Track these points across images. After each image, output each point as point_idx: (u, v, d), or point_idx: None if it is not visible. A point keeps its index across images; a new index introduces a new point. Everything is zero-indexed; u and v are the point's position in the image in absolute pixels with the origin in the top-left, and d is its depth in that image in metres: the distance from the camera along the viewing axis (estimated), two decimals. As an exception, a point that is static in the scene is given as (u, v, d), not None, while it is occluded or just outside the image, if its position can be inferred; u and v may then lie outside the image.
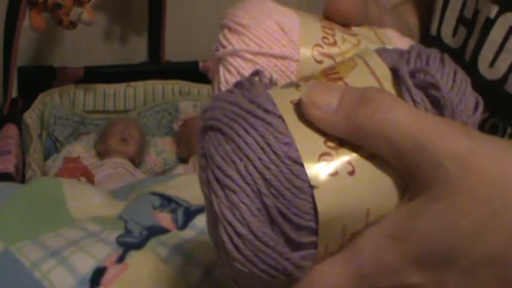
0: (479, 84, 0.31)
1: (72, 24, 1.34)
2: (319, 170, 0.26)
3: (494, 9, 0.37)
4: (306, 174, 0.26)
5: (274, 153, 0.26)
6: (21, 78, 1.43)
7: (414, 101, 0.28)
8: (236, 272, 0.27)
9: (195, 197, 0.72)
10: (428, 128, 0.26)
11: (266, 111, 0.27)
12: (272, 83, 0.31)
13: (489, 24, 0.37)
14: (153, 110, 1.65)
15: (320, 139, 0.27)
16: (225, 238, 0.26)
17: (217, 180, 0.27)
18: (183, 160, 1.54)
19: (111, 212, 0.72)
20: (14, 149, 1.22)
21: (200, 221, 0.65)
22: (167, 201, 0.71)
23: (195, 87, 1.68)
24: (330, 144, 0.27)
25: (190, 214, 0.67)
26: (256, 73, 0.31)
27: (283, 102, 0.28)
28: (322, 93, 0.27)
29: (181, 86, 1.68)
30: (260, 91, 0.29)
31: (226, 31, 0.36)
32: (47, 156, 1.45)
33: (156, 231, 0.64)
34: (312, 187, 0.26)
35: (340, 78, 0.29)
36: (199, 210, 0.67)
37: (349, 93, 0.27)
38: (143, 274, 0.58)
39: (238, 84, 0.30)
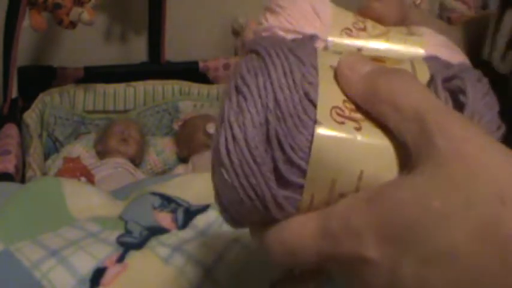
0: None
1: (72, 24, 1.34)
2: (327, 114, 0.27)
3: None
4: (314, 112, 0.27)
5: (294, 82, 0.28)
6: (21, 78, 1.43)
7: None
8: (220, 182, 0.28)
9: (195, 197, 0.72)
10: (435, 108, 0.26)
11: (302, 61, 0.29)
12: (325, 50, 0.33)
13: None
14: (153, 110, 1.65)
15: (340, 97, 0.28)
16: (221, 140, 0.27)
17: (236, 87, 0.28)
18: (183, 160, 1.54)
19: (111, 212, 0.72)
20: (14, 149, 1.21)
21: (200, 221, 0.65)
22: (167, 201, 0.71)
23: (195, 87, 1.68)
24: (347, 105, 0.28)
25: (190, 214, 0.67)
26: (312, 36, 0.33)
27: (324, 60, 0.30)
28: (359, 61, 0.29)
29: (181, 86, 1.68)
30: (308, 47, 0.31)
31: (266, 11, 0.39)
32: (47, 156, 1.45)
33: (156, 231, 0.64)
34: (315, 122, 0.27)
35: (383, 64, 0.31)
36: (199, 210, 0.67)
37: (380, 67, 0.29)
38: (143, 274, 0.58)
39: (292, 39, 0.32)
